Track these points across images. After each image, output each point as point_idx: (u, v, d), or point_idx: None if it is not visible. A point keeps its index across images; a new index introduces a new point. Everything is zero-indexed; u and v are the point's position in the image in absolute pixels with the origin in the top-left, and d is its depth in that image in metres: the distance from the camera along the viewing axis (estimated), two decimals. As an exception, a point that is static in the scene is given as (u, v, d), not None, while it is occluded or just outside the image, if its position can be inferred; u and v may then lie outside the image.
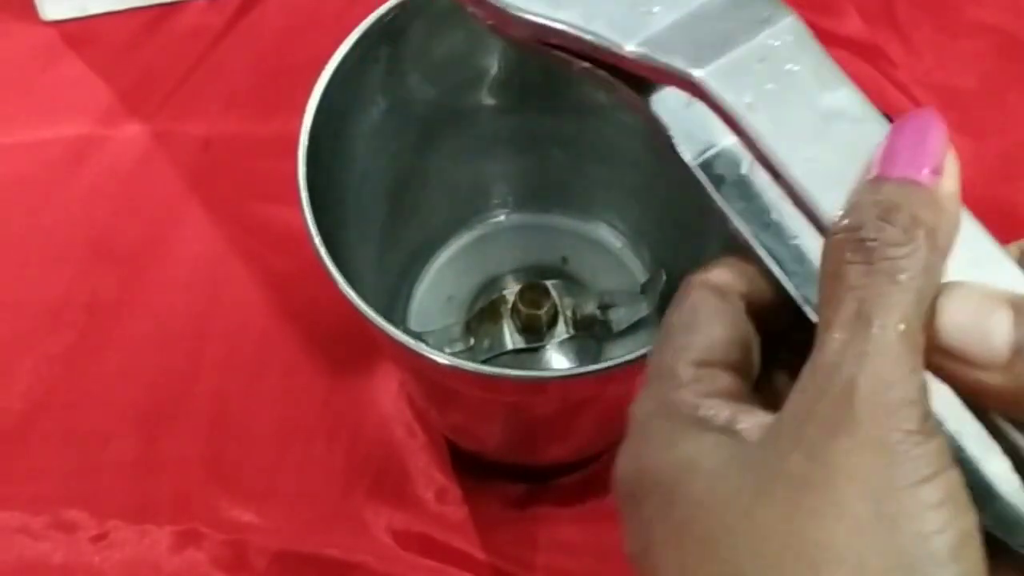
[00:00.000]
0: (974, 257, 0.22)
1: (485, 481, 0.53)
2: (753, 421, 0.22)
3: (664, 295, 0.49)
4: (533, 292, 0.50)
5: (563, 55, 0.26)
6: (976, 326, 0.20)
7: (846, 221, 0.21)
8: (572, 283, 0.53)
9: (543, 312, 0.50)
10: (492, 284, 0.54)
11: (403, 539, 0.51)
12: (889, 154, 0.22)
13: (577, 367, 0.50)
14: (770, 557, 0.20)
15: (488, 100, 0.49)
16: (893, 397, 0.20)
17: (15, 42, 0.65)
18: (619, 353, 0.36)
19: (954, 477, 0.20)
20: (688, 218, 0.47)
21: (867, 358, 0.20)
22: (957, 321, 0.21)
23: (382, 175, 0.48)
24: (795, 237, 0.24)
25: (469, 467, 0.53)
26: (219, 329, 0.56)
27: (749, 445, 0.22)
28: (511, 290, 0.51)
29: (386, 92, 0.45)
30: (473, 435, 0.52)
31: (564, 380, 0.39)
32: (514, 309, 0.51)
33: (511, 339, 0.51)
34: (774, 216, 0.25)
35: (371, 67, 0.43)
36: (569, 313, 0.51)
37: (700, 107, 0.24)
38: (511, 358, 0.50)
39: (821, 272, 0.21)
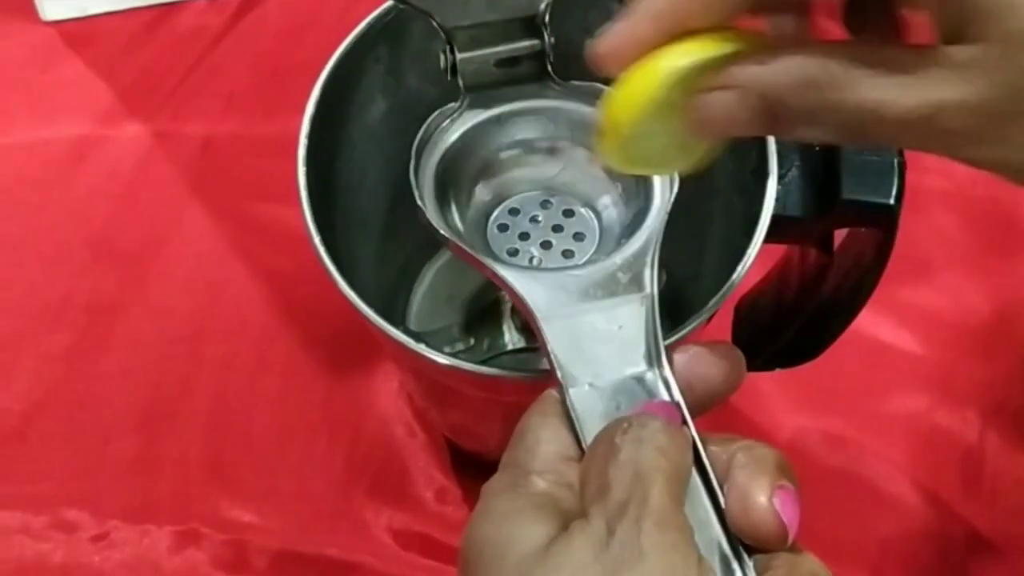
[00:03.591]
0: None
1: (485, 481, 0.53)
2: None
3: (663, 295, 0.49)
4: (533, 292, 0.50)
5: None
6: None
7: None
8: (572, 283, 0.53)
9: (543, 312, 0.50)
10: (492, 284, 0.54)
11: (403, 539, 0.51)
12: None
13: (577, 367, 0.50)
14: None
15: (488, 100, 0.49)
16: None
17: (15, 42, 0.65)
18: (619, 353, 0.36)
19: None
20: (688, 219, 0.47)
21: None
22: None
23: (382, 175, 0.48)
24: None
25: (469, 467, 0.53)
26: (219, 329, 0.56)
27: (573, 545, 0.25)
28: (511, 290, 0.51)
29: (386, 92, 0.45)
30: (473, 435, 0.52)
31: (564, 380, 0.39)
32: (514, 309, 0.51)
33: (511, 339, 0.51)
34: None
35: (371, 67, 0.43)
36: (569, 313, 0.51)
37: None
38: (511, 358, 0.50)
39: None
